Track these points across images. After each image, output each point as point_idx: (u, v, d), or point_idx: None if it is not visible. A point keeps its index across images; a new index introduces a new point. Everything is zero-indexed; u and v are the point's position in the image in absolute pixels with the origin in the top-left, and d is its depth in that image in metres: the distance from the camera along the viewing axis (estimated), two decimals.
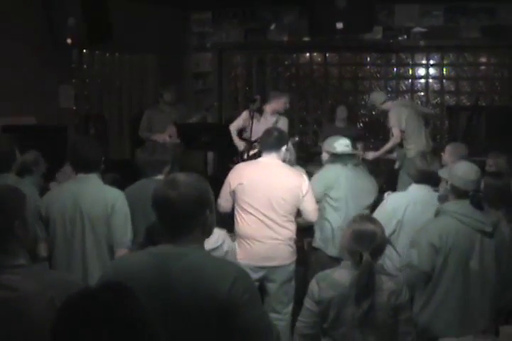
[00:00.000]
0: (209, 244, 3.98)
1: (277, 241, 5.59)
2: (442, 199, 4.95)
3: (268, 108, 8.64)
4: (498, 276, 4.54)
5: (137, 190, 5.17)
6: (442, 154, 6.66)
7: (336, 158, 6.33)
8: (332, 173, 6.24)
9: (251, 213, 5.57)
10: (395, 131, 8.84)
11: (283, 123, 8.51)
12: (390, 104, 9.23)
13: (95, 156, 4.82)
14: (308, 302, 3.81)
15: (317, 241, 6.32)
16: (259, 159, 5.87)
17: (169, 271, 2.68)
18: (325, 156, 6.47)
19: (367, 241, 3.72)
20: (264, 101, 8.84)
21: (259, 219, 5.55)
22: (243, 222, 5.61)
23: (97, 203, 4.66)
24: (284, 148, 5.73)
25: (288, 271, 5.69)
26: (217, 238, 4.35)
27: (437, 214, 4.71)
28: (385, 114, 9.38)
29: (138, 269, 2.74)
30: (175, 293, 2.64)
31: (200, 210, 2.79)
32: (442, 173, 4.89)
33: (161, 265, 2.70)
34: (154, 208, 2.82)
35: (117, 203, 4.70)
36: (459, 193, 4.58)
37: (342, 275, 3.77)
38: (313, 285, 3.81)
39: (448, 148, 6.67)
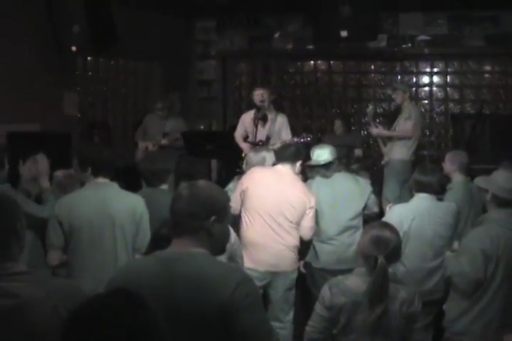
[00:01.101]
0: None
1: (283, 247, 5.63)
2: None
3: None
4: None
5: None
6: (443, 163, 6.62)
7: (312, 169, 6.36)
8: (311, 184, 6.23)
9: (259, 216, 5.60)
10: (408, 125, 8.81)
11: (281, 121, 8.52)
12: (409, 101, 9.26)
13: (113, 161, 4.87)
14: (319, 308, 3.80)
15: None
16: (275, 166, 5.93)
17: (173, 275, 2.70)
18: None
19: (383, 246, 3.71)
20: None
21: (267, 223, 5.59)
22: (249, 226, 5.64)
23: (128, 211, 4.67)
24: (298, 164, 5.87)
25: (290, 278, 5.74)
26: None
27: (480, 222, 4.73)
28: (397, 108, 9.39)
29: (143, 274, 2.77)
30: (178, 298, 2.66)
31: (205, 214, 2.81)
32: (480, 182, 4.88)
33: (166, 269, 2.73)
34: (169, 208, 2.89)
35: (144, 211, 4.75)
36: (499, 202, 4.61)
37: (354, 281, 3.76)
38: (325, 291, 3.79)
39: (448, 157, 6.63)
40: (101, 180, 4.74)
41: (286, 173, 5.80)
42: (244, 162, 6.52)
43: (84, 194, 4.74)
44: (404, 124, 8.86)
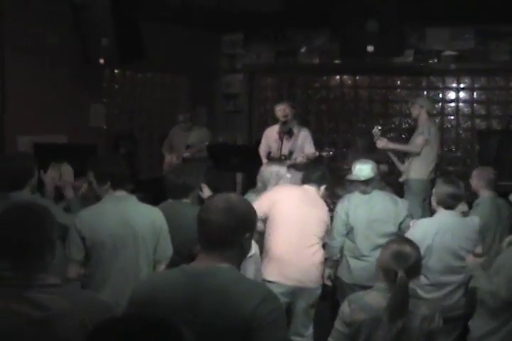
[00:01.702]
0: None
1: (309, 263, 5.68)
2: None
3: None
4: None
5: (165, 210, 5.17)
6: (470, 180, 6.57)
7: (351, 184, 6.33)
8: (344, 203, 6.22)
9: (286, 231, 5.65)
10: (419, 141, 8.71)
11: (304, 135, 8.58)
12: (427, 117, 9.07)
13: (129, 174, 4.88)
14: (338, 324, 3.77)
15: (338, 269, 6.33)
16: (303, 186, 6.09)
17: (199, 289, 2.69)
18: None
19: (403, 260, 3.70)
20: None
21: (294, 239, 5.65)
22: (276, 241, 5.68)
23: (148, 223, 4.68)
24: (323, 188, 6.14)
25: (315, 294, 5.81)
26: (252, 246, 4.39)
27: None
28: (415, 122, 9.28)
29: (169, 286, 2.76)
30: (202, 312, 2.65)
31: (243, 230, 2.81)
32: None
33: (192, 283, 2.72)
34: (200, 219, 2.84)
35: (164, 223, 4.77)
36: None
37: (374, 298, 3.73)
38: (344, 307, 3.77)
39: (475, 173, 6.57)
40: (119, 193, 4.74)
41: (313, 193, 6.01)
42: (258, 177, 6.53)
43: (105, 207, 4.70)
44: (415, 138, 8.76)
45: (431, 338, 3.70)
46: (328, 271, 6.18)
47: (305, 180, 6.13)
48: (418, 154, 8.65)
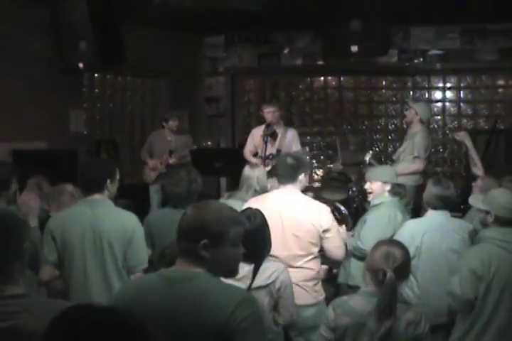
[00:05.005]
0: (259, 280, 4.09)
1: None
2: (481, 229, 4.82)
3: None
4: None
5: (165, 218, 5.31)
6: (473, 183, 6.46)
7: (398, 189, 6.06)
8: (397, 215, 5.81)
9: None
10: (418, 165, 8.47)
11: (291, 136, 8.53)
12: (425, 128, 8.89)
13: (99, 176, 4.71)
14: (323, 329, 3.74)
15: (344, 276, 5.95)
16: (274, 191, 5.26)
17: (175, 295, 2.69)
18: (376, 186, 5.95)
19: (391, 260, 3.66)
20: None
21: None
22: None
23: (117, 228, 4.61)
24: (301, 176, 5.03)
25: (305, 315, 4.79)
26: (269, 274, 4.21)
27: (478, 241, 4.63)
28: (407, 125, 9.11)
29: (146, 291, 2.79)
30: (179, 319, 2.65)
31: (195, 237, 2.77)
32: (477, 203, 4.75)
33: (169, 289, 2.72)
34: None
35: (136, 228, 4.69)
36: (502, 221, 4.49)
37: (359, 302, 3.69)
38: (329, 312, 3.73)
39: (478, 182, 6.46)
40: (95, 196, 4.68)
41: (284, 198, 5.01)
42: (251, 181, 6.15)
43: (77, 210, 4.73)
44: (413, 163, 8.47)
45: None
46: None
47: (277, 178, 5.20)
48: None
